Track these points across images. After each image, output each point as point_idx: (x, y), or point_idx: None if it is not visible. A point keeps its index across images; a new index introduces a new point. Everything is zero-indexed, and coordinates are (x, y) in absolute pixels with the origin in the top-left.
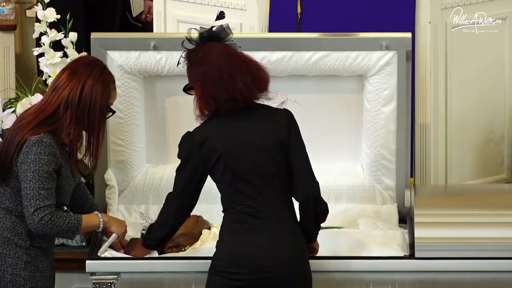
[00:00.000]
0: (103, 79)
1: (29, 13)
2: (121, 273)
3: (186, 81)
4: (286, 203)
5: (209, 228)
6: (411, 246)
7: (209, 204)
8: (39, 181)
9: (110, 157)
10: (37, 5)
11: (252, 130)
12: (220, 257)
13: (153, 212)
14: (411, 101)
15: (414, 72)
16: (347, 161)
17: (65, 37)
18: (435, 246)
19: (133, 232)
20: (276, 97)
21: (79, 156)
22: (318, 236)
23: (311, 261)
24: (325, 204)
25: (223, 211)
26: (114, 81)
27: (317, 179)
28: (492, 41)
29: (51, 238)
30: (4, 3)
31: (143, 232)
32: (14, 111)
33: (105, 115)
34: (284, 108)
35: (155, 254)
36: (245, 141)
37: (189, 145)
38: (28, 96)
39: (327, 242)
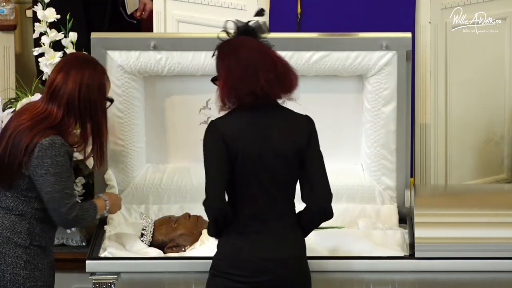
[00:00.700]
0: (97, 76)
1: (29, 13)
2: (121, 273)
3: (186, 81)
4: (291, 207)
5: None
6: (411, 246)
7: None
8: (61, 182)
9: (110, 157)
10: (37, 5)
11: (272, 132)
12: (222, 257)
13: (153, 212)
14: (411, 101)
15: (414, 72)
16: (347, 161)
17: (65, 37)
18: (435, 246)
19: (134, 232)
20: None
21: (80, 156)
22: (318, 236)
23: (311, 261)
24: (332, 214)
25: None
26: (106, 73)
27: None
28: (492, 41)
29: (51, 236)
30: (4, 3)
31: (143, 232)
32: (14, 111)
33: (105, 110)
34: (306, 115)
35: (155, 254)
36: (263, 142)
37: (212, 132)
38: (28, 96)
39: (327, 242)
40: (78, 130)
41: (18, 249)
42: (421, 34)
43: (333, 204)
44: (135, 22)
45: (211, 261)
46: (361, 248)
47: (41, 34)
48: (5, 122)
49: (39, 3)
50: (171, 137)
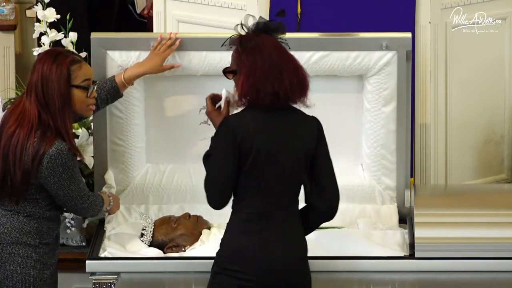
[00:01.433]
0: (56, 66)
1: (29, 13)
2: (121, 273)
3: (186, 81)
4: (297, 207)
5: (209, 228)
6: (411, 246)
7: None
8: (76, 184)
9: (110, 157)
10: (37, 5)
11: (285, 132)
12: (226, 254)
13: (153, 212)
14: (411, 101)
15: (414, 72)
16: (347, 161)
17: (65, 37)
18: (435, 246)
19: (133, 232)
20: None
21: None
22: (319, 236)
23: (311, 261)
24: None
25: (233, 206)
26: (74, 61)
27: None
28: (492, 41)
29: (57, 234)
30: (4, 3)
31: (143, 232)
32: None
33: (67, 102)
34: (313, 116)
35: (154, 254)
36: (277, 142)
37: (226, 128)
38: None
39: (327, 242)
40: (80, 129)
41: (28, 249)
42: (421, 34)
43: None
44: (146, 20)
45: (211, 261)
46: (361, 248)
47: (41, 34)
48: None
49: (39, 3)
50: (171, 137)
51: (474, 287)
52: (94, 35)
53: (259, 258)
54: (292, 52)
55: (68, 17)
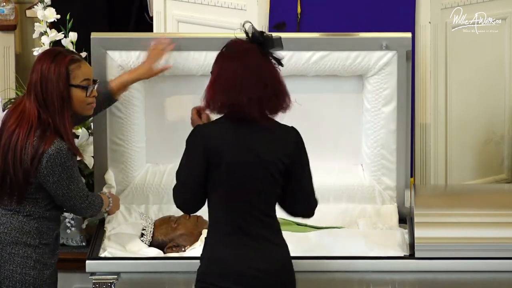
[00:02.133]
0: (55, 66)
1: (29, 13)
2: (121, 273)
3: (185, 81)
4: (273, 216)
5: None
6: (411, 246)
7: None
8: (75, 183)
9: (110, 157)
10: (37, 5)
11: (257, 143)
12: (209, 270)
13: (153, 212)
14: (411, 101)
15: (414, 72)
16: (347, 161)
17: (65, 37)
18: (435, 246)
19: (133, 232)
20: None
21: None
22: (318, 236)
23: (312, 261)
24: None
25: (209, 220)
26: (73, 60)
27: (317, 179)
28: (492, 41)
29: (57, 234)
30: (4, 3)
31: (143, 232)
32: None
33: (67, 101)
34: (292, 127)
35: (154, 254)
36: (248, 153)
37: (195, 136)
38: None
39: (327, 242)
40: (80, 129)
41: (28, 249)
42: (421, 34)
43: (333, 204)
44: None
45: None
46: (361, 248)
47: (41, 34)
48: None
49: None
50: (171, 137)
51: (474, 287)
52: (94, 35)
53: (242, 271)
54: (292, 52)
55: (68, 17)
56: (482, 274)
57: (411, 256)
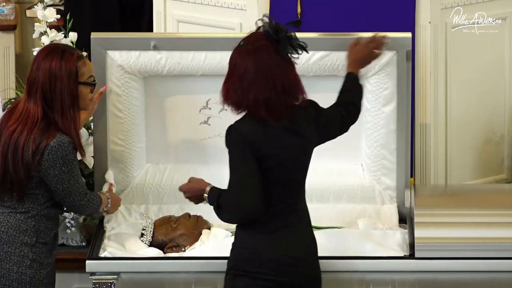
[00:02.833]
0: (65, 64)
1: (29, 13)
2: (121, 273)
3: (186, 81)
4: (303, 201)
5: (209, 228)
6: (411, 246)
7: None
8: (75, 178)
9: (110, 157)
10: (37, 5)
11: (292, 130)
12: (245, 257)
13: (153, 212)
14: (411, 101)
15: (414, 72)
16: (347, 161)
17: (65, 37)
18: (435, 246)
19: (133, 232)
20: None
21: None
22: (318, 236)
23: None
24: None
25: None
26: (79, 57)
27: (317, 179)
28: (492, 41)
29: (55, 234)
30: (4, 3)
31: (143, 232)
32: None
33: (76, 99)
34: (309, 101)
35: (154, 254)
36: (282, 144)
37: (236, 136)
38: None
39: (327, 242)
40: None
41: (24, 248)
42: (421, 34)
43: (333, 204)
44: None
45: (211, 261)
46: (361, 248)
47: (41, 34)
48: None
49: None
50: (171, 137)
51: (474, 287)
52: (94, 35)
53: (278, 258)
54: None
55: (68, 17)
56: (482, 274)
57: (411, 256)
